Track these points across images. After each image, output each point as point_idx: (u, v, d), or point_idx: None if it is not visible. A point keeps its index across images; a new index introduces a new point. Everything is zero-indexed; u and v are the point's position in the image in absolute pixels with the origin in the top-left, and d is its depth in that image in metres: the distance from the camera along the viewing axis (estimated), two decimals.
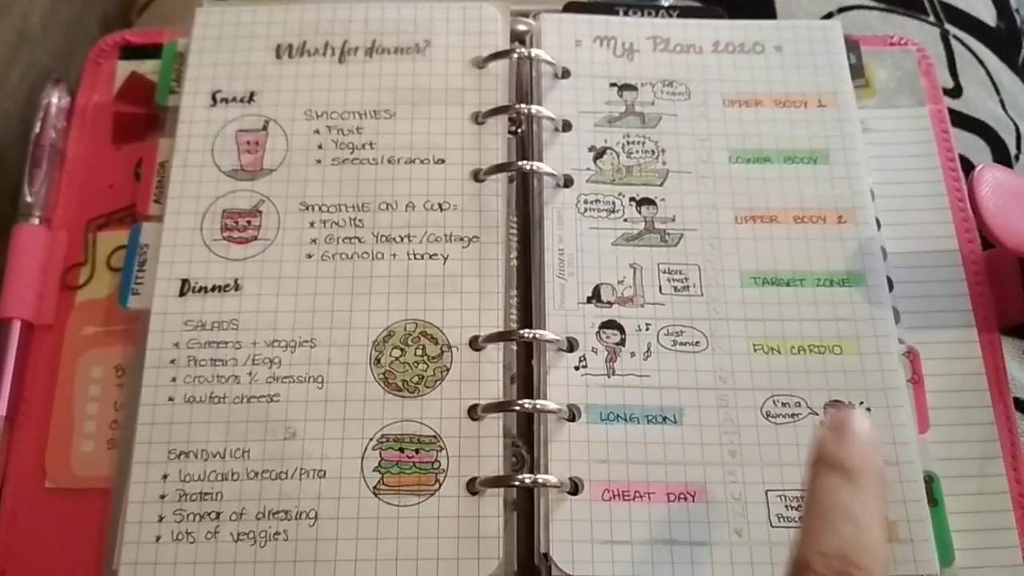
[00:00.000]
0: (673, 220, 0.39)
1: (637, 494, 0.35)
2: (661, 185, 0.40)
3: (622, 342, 0.37)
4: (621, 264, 0.38)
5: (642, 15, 0.44)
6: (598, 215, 0.39)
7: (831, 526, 0.26)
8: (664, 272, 0.38)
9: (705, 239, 0.39)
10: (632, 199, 0.40)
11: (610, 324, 0.37)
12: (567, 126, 0.41)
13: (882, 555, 0.26)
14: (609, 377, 0.36)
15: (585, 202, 0.40)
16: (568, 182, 0.40)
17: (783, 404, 0.36)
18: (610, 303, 0.38)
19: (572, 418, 0.36)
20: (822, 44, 0.43)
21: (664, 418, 0.36)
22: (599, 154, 0.41)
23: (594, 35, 0.43)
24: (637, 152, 0.41)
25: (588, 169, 0.40)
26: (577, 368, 0.36)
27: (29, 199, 0.40)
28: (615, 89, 0.42)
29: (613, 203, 0.40)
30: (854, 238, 0.39)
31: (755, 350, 0.37)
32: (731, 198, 0.40)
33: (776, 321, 0.38)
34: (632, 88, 0.42)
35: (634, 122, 0.41)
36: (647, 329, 0.37)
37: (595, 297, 0.38)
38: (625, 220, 0.39)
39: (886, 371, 0.37)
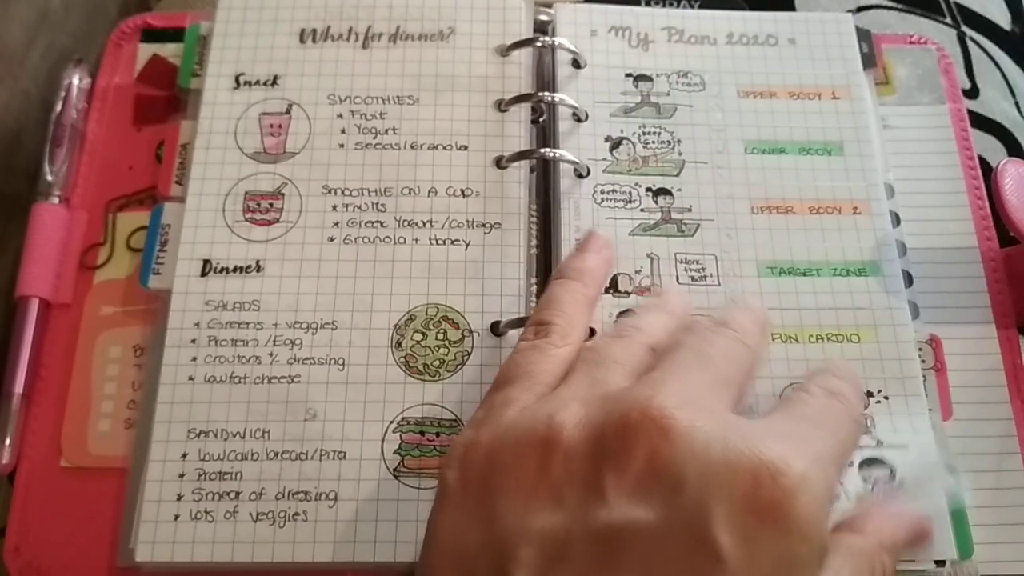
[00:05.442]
0: (689, 210, 0.39)
1: None
2: (677, 175, 0.40)
3: None
4: (638, 254, 0.38)
5: (663, 6, 0.44)
6: (615, 205, 0.39)
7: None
8: (681, 262, 0.38)
9: (721, 229, 0.39)
10: (648, 189, 0.40)
11: (627, 313, 0.37)
12: (585, 116, 0.41)
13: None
14: None
15: (602, 192, 0.40)
16: (585, 172, 0.40)
17: None
18: (628, 293, 0.38)
19: None
20: (835, 37, 0.43)
21: None
22: (615, 144, 0.41)
23: (609, 25, 0.43)
24: (653, 142, 0.41)
25: (604, 159, 0.40)
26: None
27: (49, 178, 0.40)
28: (631, 79, 0.42)
29: (630, 193, 0.40)
30: (869, 229, 0.39)
31: (773, 339, 0.37)
32: (747, 189, 0.40)
33: (794, 310, 0.38)
34: (647, 79, 0.42)
35: (650, 112, 0.41)
36: None
37: (612, 287, 0.38)
38: (642, 210, 0.39)
39: (904, 360, 0.37)
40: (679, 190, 0.40)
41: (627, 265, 0.38)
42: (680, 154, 0.41)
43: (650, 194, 0.40)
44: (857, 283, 0.38)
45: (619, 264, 0.38)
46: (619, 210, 0.39)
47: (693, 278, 0.38)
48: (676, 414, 0.24)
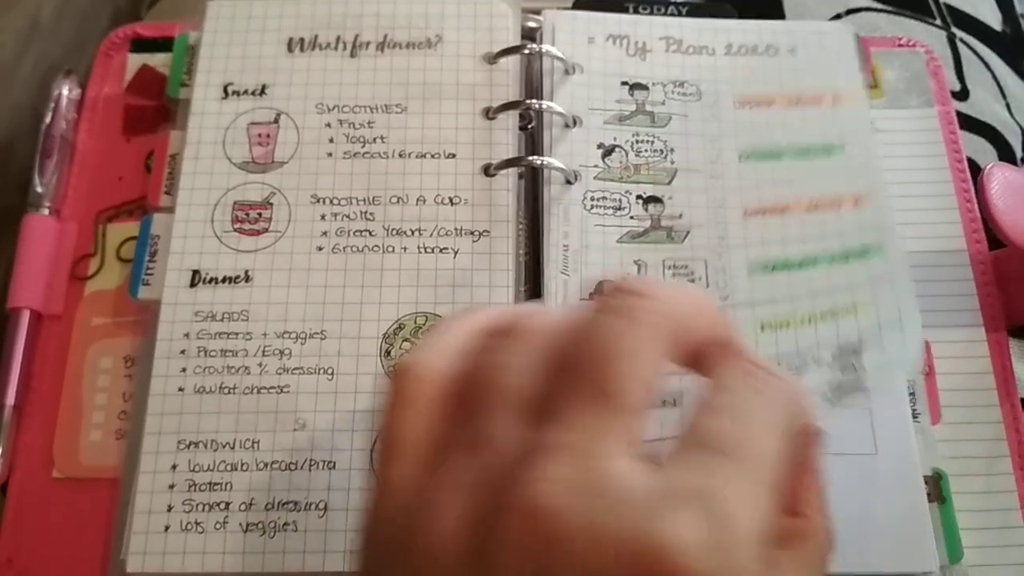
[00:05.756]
0: (680, 217, 0.39)
1: None
2: (669, 184, 0.40)
3: None
4: (626, 261, 0.38)
5: (652, 12, 0.44)
6: (604, 212, 0.39)
7: None
8: (669, 267, 0.38)
9: (712, 235, 0.39)
10: (639, 197, 0.40)
11: None
12: (576, 122, 0.41)
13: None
14: None
15: (592, 199, 0.40)
16: (575, 178, 0.40)
17: (788, 365, 0.36)
18: None
19: None
20: (836, 50, 0.43)
21: (663, 402, 0.35)
22: (608, 152, 0.41)
23: (607, 33, 0.43)
24: (646, 151, 0.41)
25: (596, 166, 0.40)
26: None
27: (39, 189, 0.40)
28: (626, 88, 0.42)
29: (620, 200, 0.40)
30: (871, 216, 0.38)
31: (763, 329, 0.37)
32: (740, 195, 0.40)
33: (787, 301, 0.37)
34: (643, 87, 0.42)
35: (644, 121, 0.41)
36: None
37: (599, 293, 0.38)
38: (631, 218, 0.39)
39: (904, 312, 0.36)
40: (670, 198, 0.40)
41: (613, 273, 0.38)
42: (672, 163, 0.40)
43: (640, 202, 0.40)
44: (855, 267, 0.37)
45: (605, 272, 0.38)
46: (608, 217, 0.39)
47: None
48: (561, 515, 0.20)
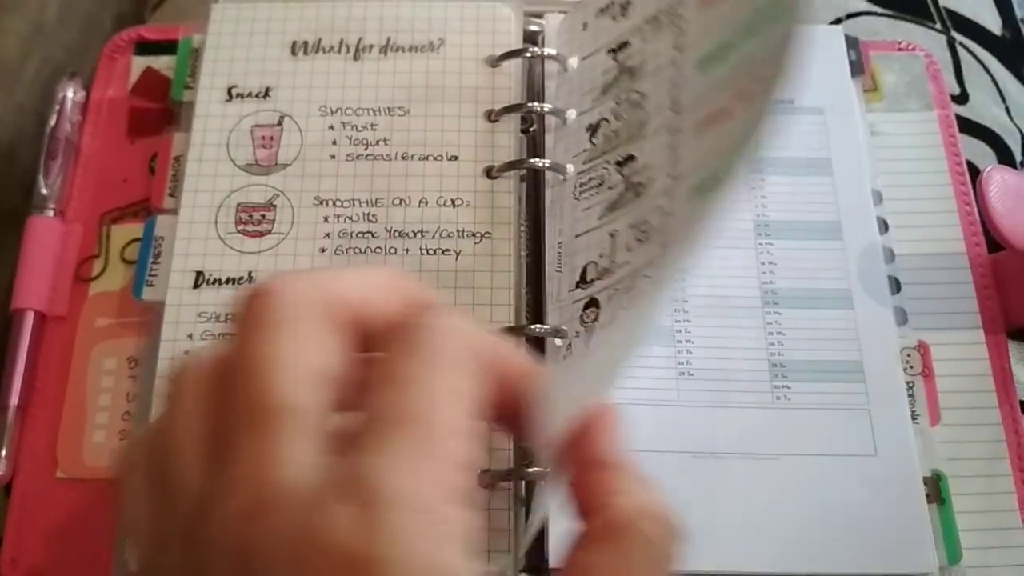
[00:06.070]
0: (648, 168, 0.36)
1: None
2: (643, 134, 0.37)
3: (598, 317, 0.36)
4: (603, 236, 0.37)
5: None
6: (590, 193, 0.38)
7: None
8: (632, 227, 0.36)
9: (668, 174, 0.35)
10: (617, 162, 0.38)
11: (591, 303, 0.36)
12: (569, 118, 0.40)
13: None
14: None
15: (580, 185, 0.39)
16: (568, 173, 0.39)
17: None
18: (592, 281, 0.37)
19: None
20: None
21: None
22: (594, 130, 0.39)
23: (596, 9, 0.41)
24: (625, 111, 0.39)
25: (584, 150, 0.39)
26: (566, 357, 0.36)
27: (44, 191, 0.41)
28: (611, 55, 0.40)
29: (602, 175, 0.38)
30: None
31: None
32: (694, 115, 0.33)
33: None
34: (625, 45, 0.40)
35: (624, 80, 0.39)
36: (615, 294, 0.35)
37: (583, 279, 0.37)
38: (609, 188, 0.38)
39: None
40: (642, 150, 0.37)
41: (594, 252, 0.37)
42: (645, 109, 0.37)
43: (617, 167, 0.38)
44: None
45: (589, 253, 0.37)
46: (593, 196, 0.38)
47: (640, 240, 0.35)
48: (252, 546, 0.20)
